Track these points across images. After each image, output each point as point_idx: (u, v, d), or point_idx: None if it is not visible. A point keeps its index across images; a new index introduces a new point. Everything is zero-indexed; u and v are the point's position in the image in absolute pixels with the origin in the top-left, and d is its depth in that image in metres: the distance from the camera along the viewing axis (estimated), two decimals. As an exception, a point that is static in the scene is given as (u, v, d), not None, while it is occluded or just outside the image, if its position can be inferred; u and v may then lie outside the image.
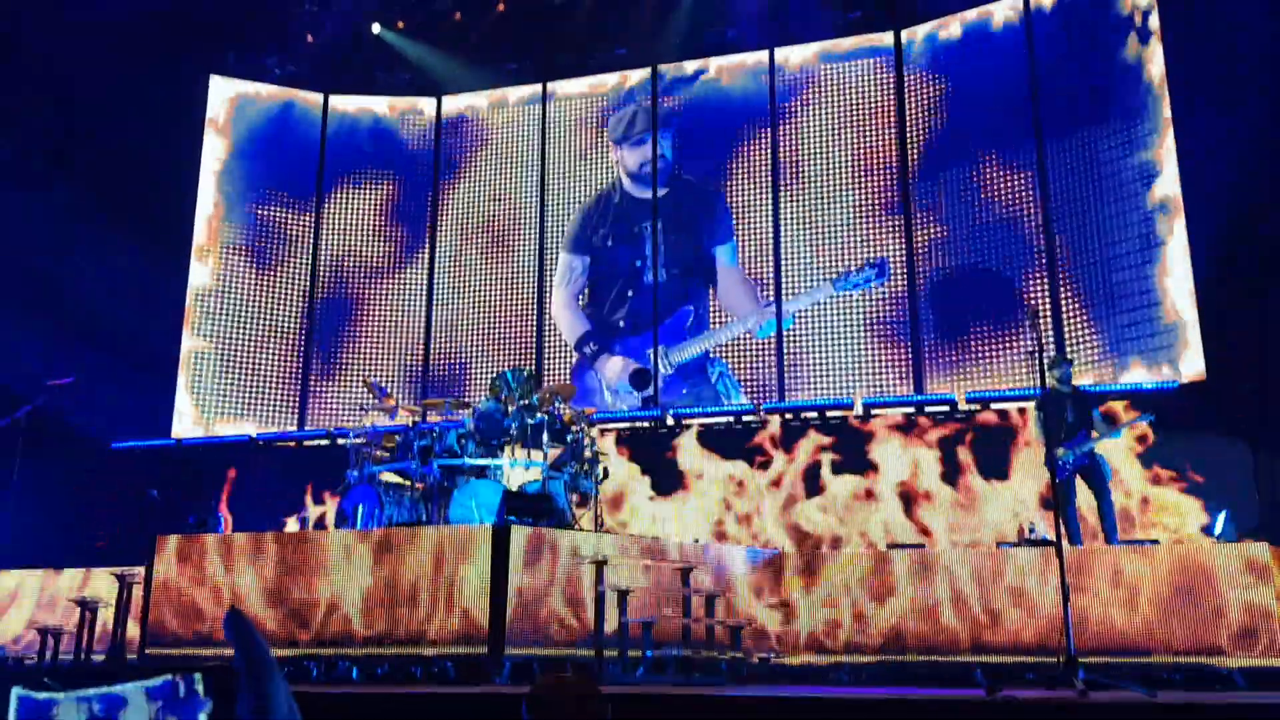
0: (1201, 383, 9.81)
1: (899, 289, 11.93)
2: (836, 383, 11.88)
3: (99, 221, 12.01)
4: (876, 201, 12.26)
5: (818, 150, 12.64)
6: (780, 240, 12.47)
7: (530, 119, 13.98)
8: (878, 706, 5.08)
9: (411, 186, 14.14)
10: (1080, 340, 10.87)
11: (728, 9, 13.07)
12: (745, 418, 11.43)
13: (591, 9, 13.40)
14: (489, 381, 9.45)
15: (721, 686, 6.57)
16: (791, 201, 12.59)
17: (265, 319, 13.50)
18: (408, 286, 13.84)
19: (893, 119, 12.39)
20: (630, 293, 13.02)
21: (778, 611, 7.83)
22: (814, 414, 11.25)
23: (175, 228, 13.28)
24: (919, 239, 11.96)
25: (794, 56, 12.99)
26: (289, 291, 13.66)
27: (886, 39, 12.59)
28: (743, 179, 12.90)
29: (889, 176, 12.27)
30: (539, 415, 8.55)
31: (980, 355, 11.40)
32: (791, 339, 12.21)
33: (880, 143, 12.42)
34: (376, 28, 13.90)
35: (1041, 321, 10.69)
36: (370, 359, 13.61)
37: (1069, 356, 9.57)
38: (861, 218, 12.27)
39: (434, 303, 13.72)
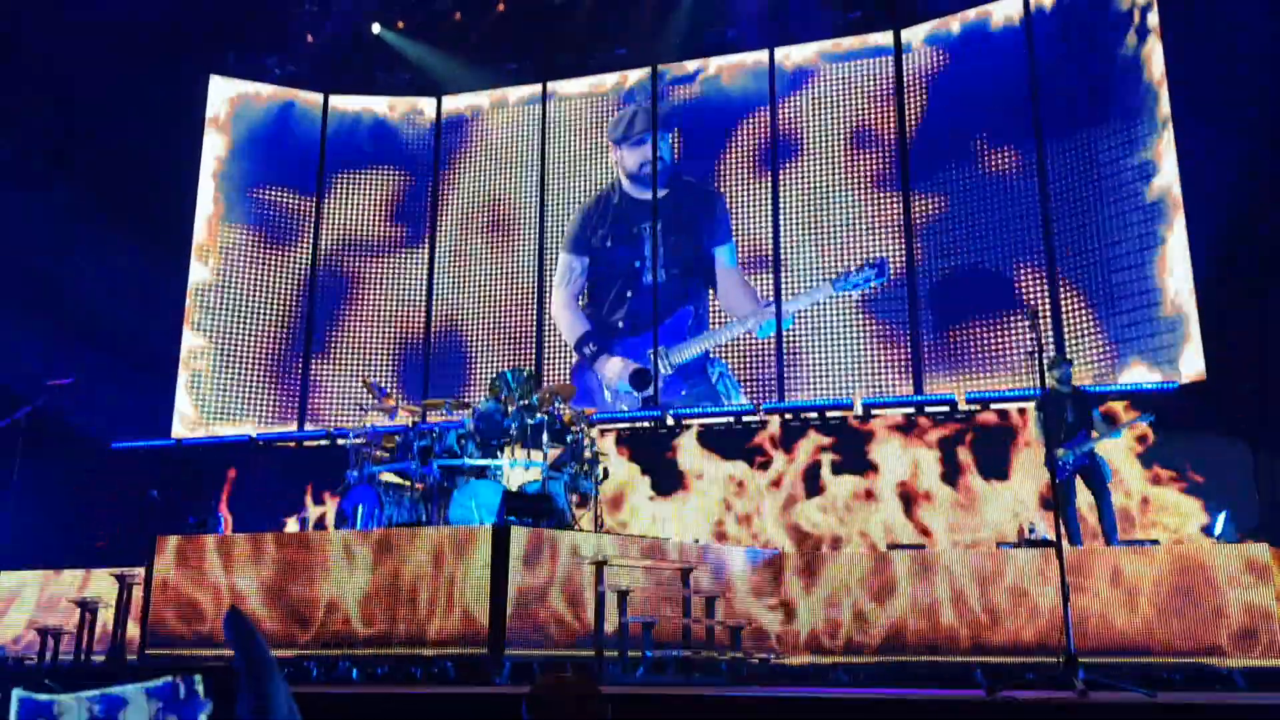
0: (1201, 383, 9.81)
1: (899, 289, 11.93)
2: (836, 383, 11.88)
3: (99, 221, 12.01)
4: (876, 201, 12.26)
5: (817, 150, 12.64)
6: (780, 240, 12.47)
7: (530, 119, 13.98)
8: (878, 707, 5.08)
9: (412, 187, 14.15)
10: (1080, 340, 10.87)
11: (728, 9, 13.07)
12: (745, 418, 11.43)
13: (591, 9, 13.40)
14: (489, 382, 9.46)
15: (721, 687, 6.57)
16: (791, 201, 12.58)
17: (265, 319, 13.50)
18: (408, 286, 13.84)
19: (892, 119, 12.39)
20: (629, 293, 13.02)
21: (778, 612, 7.83)
22: (814, 414, 11.25)
23: (175, 227, 13.28)
24: (918, 238, 11.96)
25: (794, 56, 12.99)
26: (289, 291, 13.66)
27: (886, 39, 12.59)
28: (742, 179, 12.90)
29: (889, 176, 12.27)
30: (539, 415, 8.55)
31: (980, 355, 11.40)
32: (791, 339, 12.21)
33: (880, 142, 12.41)
34: (376, 28, 13.91)
35: (1041, 322, 10.70)
36: (370, 359, 13.61)
37: (1069, 357, 9.57)
38: (861, 218, 12.27)
39: (434, 302, 13.72)
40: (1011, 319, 11.25)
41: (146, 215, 12.66)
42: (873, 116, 12.52)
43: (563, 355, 13.20)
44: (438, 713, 5.32)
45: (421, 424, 9.25)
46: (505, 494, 7.62)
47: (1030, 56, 11.66)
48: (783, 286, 12.34)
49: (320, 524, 11.28)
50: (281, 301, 13.61)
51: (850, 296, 12.11)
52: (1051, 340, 10.81)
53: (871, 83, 12.60)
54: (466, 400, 10.76)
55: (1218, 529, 8.86)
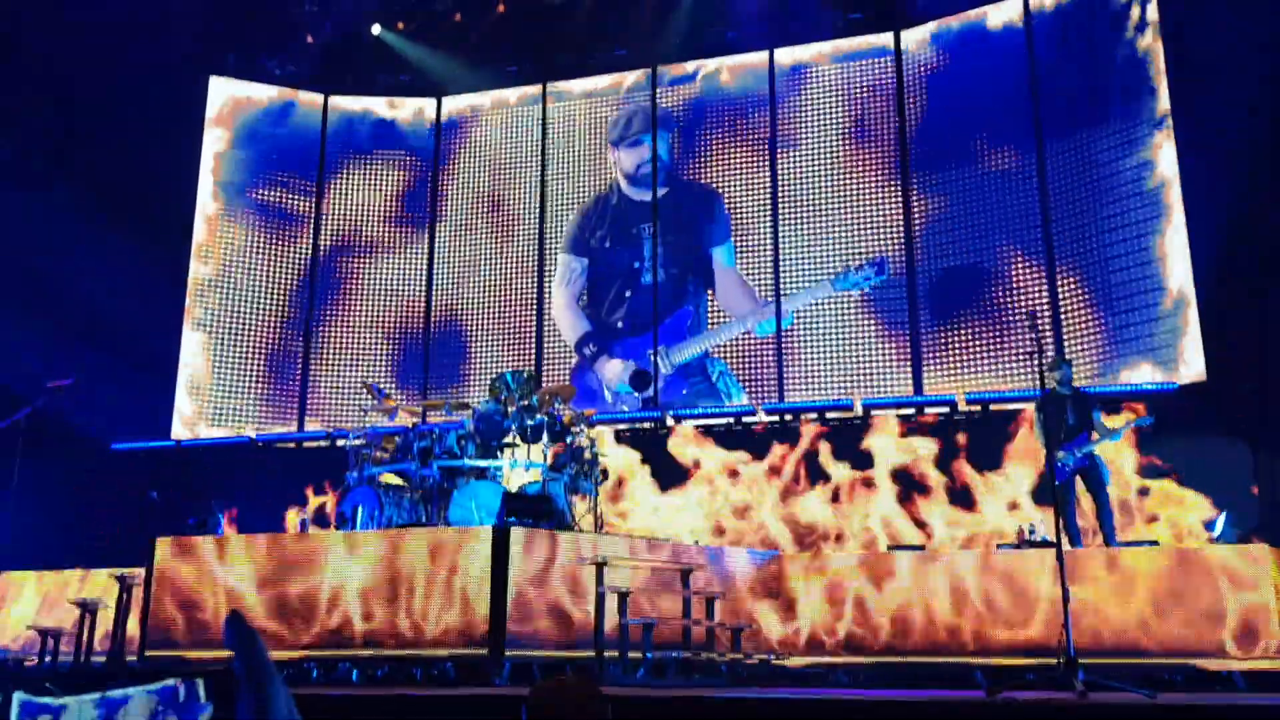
0: (1201, 383, 9.81)
1: (898, 289, 11.93)
2: (836, 382, 11.88)
3: (99, 221, 12.00)
4: (876, 201, 12.26)
5: (817, 150, 12.64)
6: (779, 240, 12.47)
7: (530, 120, 13.98)
8: (878, 708, 5.08)
9: (412, 188, 14.15)
10: (1080, 341, 10.87)
11: (728, 9, 13.06)
12: (745, 419, 11.44)
13: (591, 9, 13.40)
14: (488, 382, 9.46)
15: (722, 688, 6.57)
16: (791, 201, 12.59)
17: (266, 319, 13.51)
18: (409, 286, 13.84)
19: (892, 119, 12.39)
20: (629, 293, 13.03)
21: (778, 613, 7.83)
22: (813, 415, 11.26)
23: (175, 227, 13.29)
24: (918, 239, 11.96)
25: (794, 57, 12.99)
26: (289, 292, 13.66)
27: (886, 39, 12.58)
28: (742, 179, 12.90)
29: (889, 176, 12.27)
30: (539, 416, 8.55)
31: (980, 356, 11.40)
32: (792, 338, 12.21)
33: (880, 142, 12.42)
34: (376, 29, 13.90)
35: (1040, 324, 10.73)
36: (370, 359, 13.61)
37: (1069, 358, 9.57)
38: (861, 217, 12.27)
39: (434, 303, 13.72)
40: (1012, 319, 11.25)
41: (146, 215, 12.66)
42: (872, 116, 12.52)
43: (563, 356, 13.20)
44: (438, 714, 5.32)
45: (421, 425, 9.25)
46: (505, 495, 7.62)
47: (1030, 57, 11.66)
48: (782, 285, 12.34)
49: (321, 522, 11.27)
50: (282, 302, 13.61)
51: (850, 296, 12.11)
52: (1051, 341, 10.81)
53: (871, 83, 12.60)
54: (466, 401, 10.77)
55: (1217, 529, 8.87)
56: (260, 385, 13.32)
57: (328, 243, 13.90)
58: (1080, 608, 6.72)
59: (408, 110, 14.31)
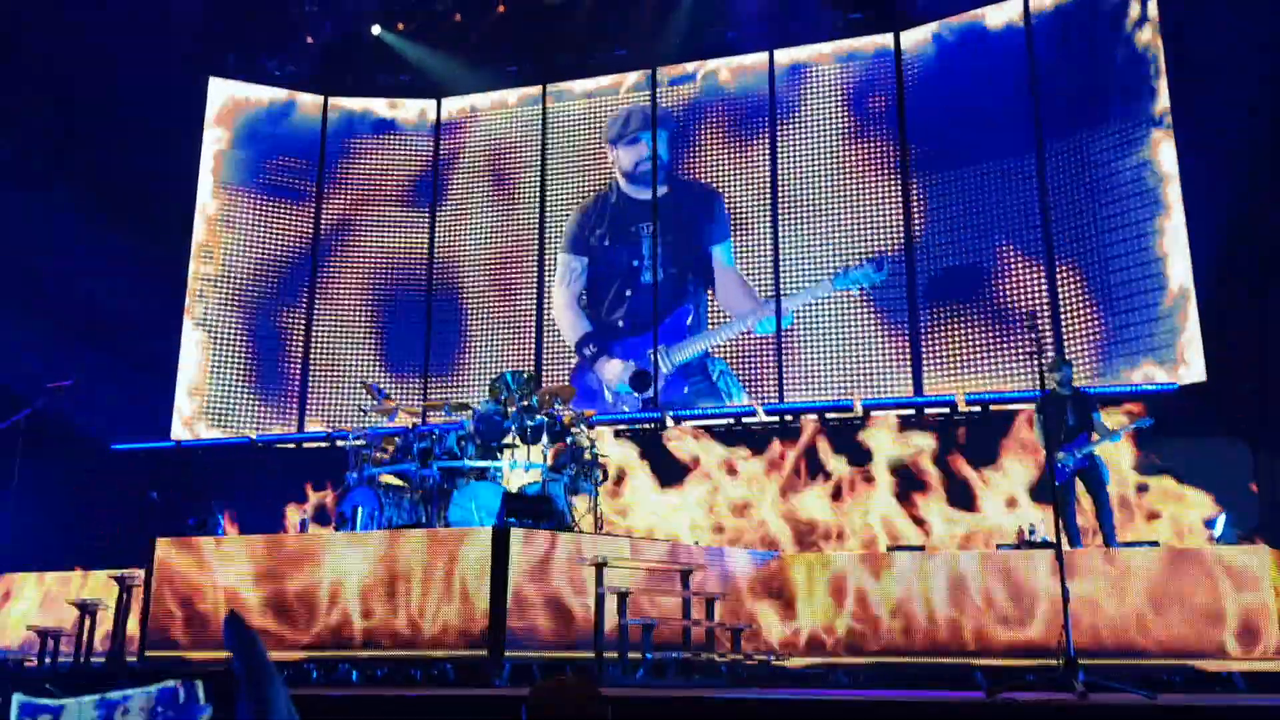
0: (1201, 384, 9.81)
1: (898, 289, 11.93)
2: (836, 382, 11.89)
3: (99, 221, 12.00)
4: (876, 201, 12.26)
5: (817, 150, 12.64)
6: (779, 239, 12.48)
7: (530, 120, 13.98)
8: (877, 708, 5.08)
9: (412, 188, 14.15)
10: (1079, 341, 10.87)
11: (728, 10, 13.06)
12: (745, 419, 11.44)
13: (591, 9, 13.39)
14: (488, 383, 9.46)
15: (722, 689, 6.57)
16: (791, 201, 12.59)
17: (266, 319, 13.51)
18: (408, 286, 13.84)
19: (892, 119, 12.39)
20: (629, 292, 13.03)
21: (778, 613, 7.83)
22: (813, 415, 11.26)
23: (175, 228, 13.29)
24: (918, 239, 11.97)
25: (793, 57, 12.99)
26: (289, 292, 13.66)
27: (886, 40, 12.59)
28: (742, 178, 12.90)
29: (889, 176, 12.28)
30: (539, 417, 8.55)
31: (980, 356, 11.40)
32: (792, 338, 12.22)
33: (880, 142, 12.42)
34: (376, 29, 13.89)
35: (1040, 324, 10.73)
36: (370, 359, 13.61)
37: (1068, 358, 9.57)
38: (861, 217, 12.28)
39: (434, 302, 13.73)
40: (1012, 319, 11.26)
41: (146, 215, 12.66)
42: (872, 116, 12.52)
43: (563, 356, 13.20)
44: (437, 715, 5.32)
45: (421, 425, 9.24)
46: (505, 496, 7.61)
47: (1030, 57, 11.66)
48: (782, 285, 12.34)
49: (322, 521, 11.27)
50: (282, 302, 13.61)
51: (850, 296, 12.11)
52: (1051, 341, 10.81)
53: (871, 83, 12.60)
54: (466, 402, 10.76)
55: (1217, 530, 8.86)
56: (260, 385, 13.32)
57: (327, 242, 13.90)
58: (1080, 608, 6.71)
59: (408, 111, 14.31)
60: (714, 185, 13.03)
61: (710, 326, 12.63)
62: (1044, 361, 8.23)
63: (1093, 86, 11.18)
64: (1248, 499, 9.26)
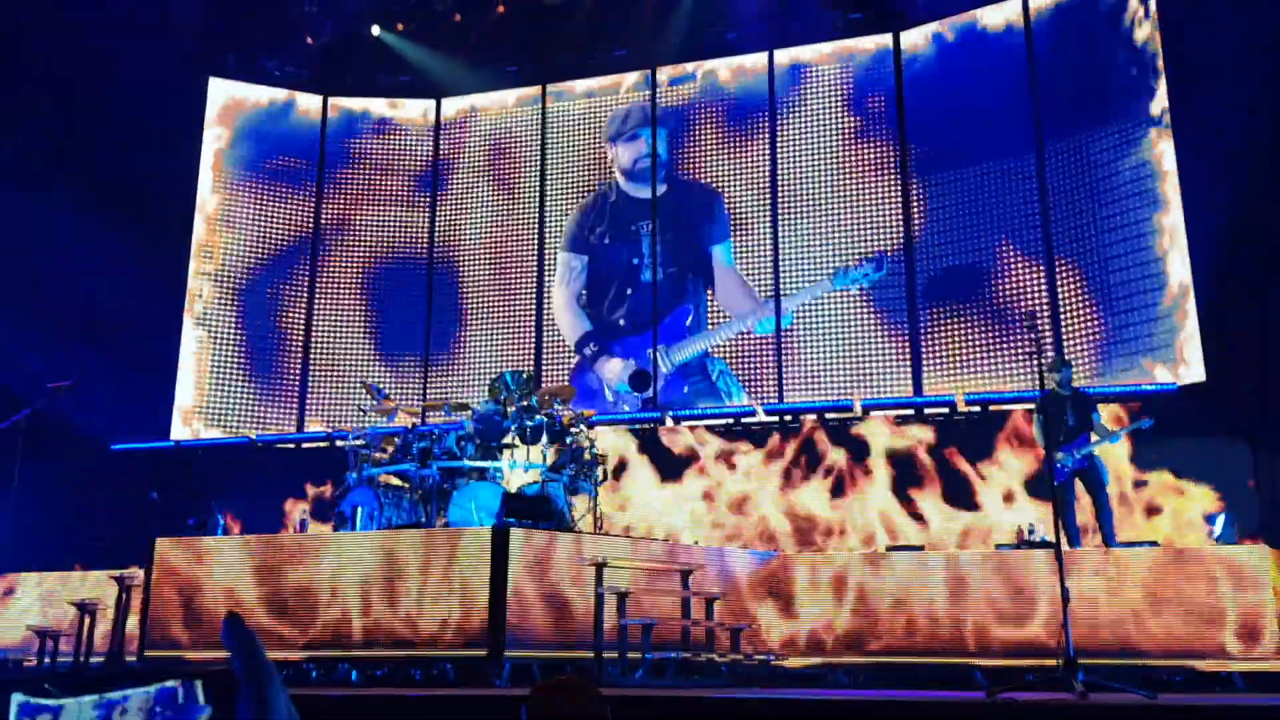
0: (1201, 384, 9.81)
1: (898, 289, 11.93)
2: (836, 382, 11.89)
3: (99, 221, 12.00)
4: (876, 201, 12.26)
5: (817, 150, 12.64)
6: (779, 239, 12.48)
7: (530, 120, 13.98)
8: (877, 708, 5.08)
9: (412, 187, 14.15)
10: (1079, 341, 10.87)
11: (728, 10, 13.05)
12: (745, 419, 11.45)
13: (591, 9, 13.39)
14: (488, 383, 9.46)
15: (721, 689, 6.57)
16: (791, 201, 12.59)
17: (266, 319, 13.51)
18: (408, 286, 13.83)
19: (892, 119, 12.39)
20: (629, 291, 13.03)
21: (778, 613, 7.83)
22: (813, 416, 11.26)
23: (175, 228, 13.29)
24: (918, 239, 11.97)
25: (793, 57, 12.99)
26: (288, 292, 13.66)
27: (886, 40, 12.58)
28: (742, 178, 12.90)
29: (889, 176, 12.28)
30: (538, 417, 8.55)
31: (980, 356, 11.41)
32: (792, 338, 12.22)
33: (880, 142, 12.42)
34: (376, 29, 13.89)
35: (1040, 324, 10.74)
36: (369, 359, 13.61)
37: (1068, 359, 9.57)
38: (861, 217, 12.28)
39: (434, 303, 13.72)
40: (1012, 319, 11.26)
41: (146, 215, 12.66)
42: (872, 116, 12.52)
43: (563, 356, 13.20)
44: (437, 715, 5.32)
45: (421, 426, 9.24)
46: (505, 496, 7.61)
47: (1030, 57, 11.66)
48: (782, 285, 12.34)
49: (322, 518, 11.28)
50: (281, 302, 13.61)
51: (850, 295, 12.11)
52: (1051, 341, 10.82)
53: (871, 83, 12.60)
54: (466, 402, 10.77)
55: (1217, 530, 8.86)
56: (260, 385, 13.32)
57: (327, 241, 13.90)
58: (1080, 608, 6.71)
59: (408, 111, 14.30)
60: (714, 185, 13.03)
61: (710, 326, 12.63)
62: (1044, 362, 8.23)
63: (1093, 86, 11.18)
64: (1248, 499, 9.27)
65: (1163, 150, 10.48)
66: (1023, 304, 11.20)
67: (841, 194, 12.41)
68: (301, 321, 13.60)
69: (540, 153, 13.81)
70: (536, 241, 13.54)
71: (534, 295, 13.39)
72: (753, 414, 11.45)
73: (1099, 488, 8.20)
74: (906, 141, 12.25)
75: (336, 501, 8.95)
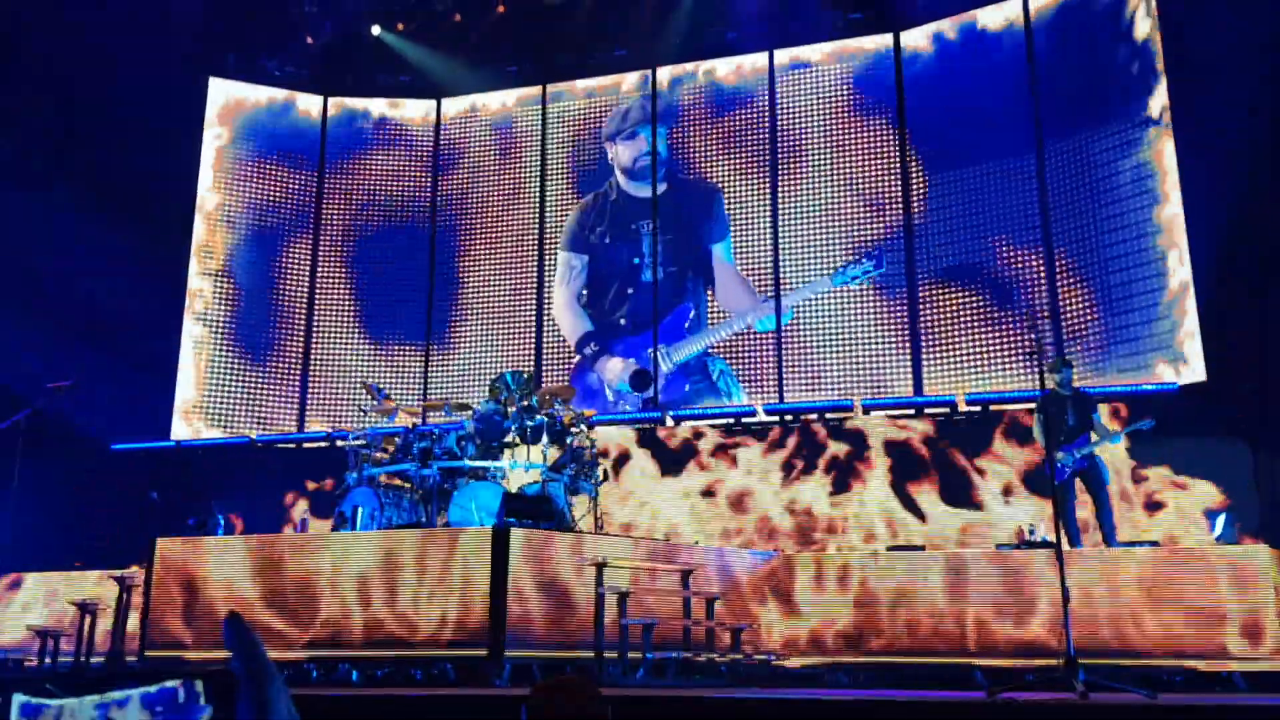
0: (1201, 384, 9.81)
1: (898, 289, 11.93)
2: (836, 381, 11.89)
3: (99, 221, 12.00)
4: (876, 201, 12.26)
5: (817, 150, 12.64)
6: (779, 238, 12.48)
7: (530, 120, 13.98)
8: (877, 708, 5.08)
9: (412, 187, 14.15)
10: (1080, 341, 10.87)
11: (728, 10, 13.05)
12: (745, 419, 11.45)
13: (591, 9, 13.39)
14: (488, 383, 9.46)
15: (722, 688, 6.57)
16: (791, 200, 12.59)
17: (266, 319, 13.51)
18: (408, 286, 13.83)
19: (892, 119, 12.39)
20: (629, 290, 13.03)
21: (778, 613, 7.83)
22: (813, 415, 11.27)
23: (175, 228, 13.29)
24: (918, 239, 11.96)
25: (794, 57, 12.99)
26: (288, 293, 13.66)
27: (886, 40, 12.59)
28: (742, 177, 12.90)
29: (889, 175, 12.28)
30: (538, 417, 8.55)
31: (980, 356, 11.41)
32: (792, 338, 12.22)
33: (880, 142, 12.42)
34: (376, 29, 13.88)
35: (1040, 324, 10.74)
36: (369, 359, 13.60)
37: (1068, 359, 9.57)
38: (861, 217, 12.28)
39: (434, 303, 13.73)
40: (1012, 319, 11.26)
41: (146, 215, 12.66)
42: (872, 117, 12.52)
43: (563, 356, 13.21)
44: (438, 715, 5.32)
45: (421, 425, 9.24)
46: (505, 496, 7.61)
47: (1030, 58, 11.66)
48: (782, 284, 12.34)
49: (322, 518, 11.28)
50: (281, 302, 13.61)
51: (850, 294, 12.11)
52: (1051, 342, 10.82)
53: (871, 83, 12.60)
54: (466, 401, 10.77)
55: (1217, 530, 8.87)
56: (260, 385, 13.32)
57: (327, 241, 13.90)
58: (1080, 608, 6.71)
59: (408, 111, 14.30)
60: (714, 183, 13.03)
61: (710, 324, 12.63)
62: (1044, 362, 8.23)
63: (1093, 86, 11.18)
64: (1248, 499, 9.27)
65: (1163, 150, 10.48)
66: (1023, 304, 11.20)
67: (841, 193, 12.41)
68: (302, 321, 13.60)
69: (540, 153, 13.81)
70: (537, 241, 13.54)
71: (534, 295, 13.39)
72: (753, 414, 11.45)
73: (1100, 488, 8.20)
74: (907, 141, 12.25)
75: (337, 501, 8.95)
